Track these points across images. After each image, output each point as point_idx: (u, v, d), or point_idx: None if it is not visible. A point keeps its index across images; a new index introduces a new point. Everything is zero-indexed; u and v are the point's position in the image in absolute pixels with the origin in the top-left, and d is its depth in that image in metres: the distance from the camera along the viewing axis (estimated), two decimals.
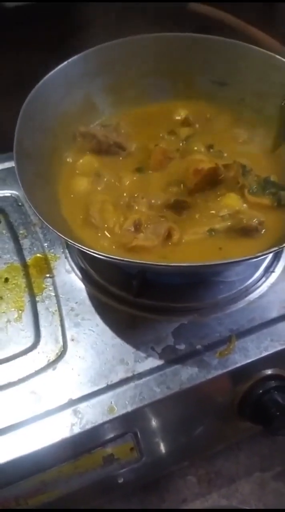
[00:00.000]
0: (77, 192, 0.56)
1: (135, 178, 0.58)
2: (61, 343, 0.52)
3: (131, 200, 0.54)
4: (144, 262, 0.45)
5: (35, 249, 0.60)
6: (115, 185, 0.57)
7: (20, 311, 0.54)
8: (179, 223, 0.53)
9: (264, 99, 0.60)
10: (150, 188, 0.56)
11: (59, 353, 0.51)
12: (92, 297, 0.55)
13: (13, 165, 0.50)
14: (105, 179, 0.58)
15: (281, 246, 0.43)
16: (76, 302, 0.55)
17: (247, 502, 0.62)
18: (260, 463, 0.65)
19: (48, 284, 0.57)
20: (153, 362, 0.50)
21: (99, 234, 0.53)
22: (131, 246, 0.51)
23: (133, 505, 0.61)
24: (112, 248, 0.52)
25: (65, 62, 0.59)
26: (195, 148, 0.59)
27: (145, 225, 0.52)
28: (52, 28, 0.77)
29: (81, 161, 0.59)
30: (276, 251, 0.44)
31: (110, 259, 0.44)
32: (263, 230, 0.52)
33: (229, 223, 0.53)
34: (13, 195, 0.66)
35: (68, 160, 0.60)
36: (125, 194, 0.56)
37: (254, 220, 0.51)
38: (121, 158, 0.60)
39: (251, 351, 0.50)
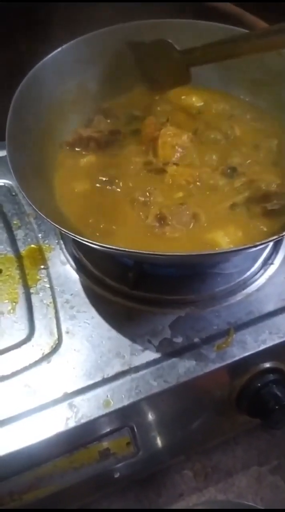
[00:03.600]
0: (82, 200, 0.54)
1: (140, 166, 0.56)
2: (56, 335, 0.51)
3: (144, 195, 0.53)
4: (139, 251, 0.44)
5: (29, 240, 0.59)
6: (123, 179, 0.55)
7: (14, 303, 0.53)
8: (201, 204, 0.52)
9: (261, 86, 0.59)
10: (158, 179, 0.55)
11: (53, 346, 0.50)
12: (87, 289, 0.54)
13: (5, 154, 0.49)
14: (112, 177, 0.55)
15: (281, 235, 0.42)
16: (71, 294, 0.54)
17: (244, 496, 0.62)
18: (257, 457, 0.65)
19: (43, 275, 0.55)
20: (150, 355, 0.49)
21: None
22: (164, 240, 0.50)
23: (130, 500, 0.61)
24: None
25: (59, 49, 0.58)
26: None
27: (169, 217, 0.51)
28: (45, 17, 0.76)
29: (82, 163, 0.57)
30: (276, 239, 0.43)
31: (106, 249, 0.43)
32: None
33: (247, 194, 0.52)
34: (6, 185, 0.64)
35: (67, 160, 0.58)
36: (133, 187, 0.54)
37: (272, 185, 0.51)
38: (122, 145, 0.58)
39: (249, 344, 0.49)
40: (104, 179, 0.55)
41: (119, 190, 0.55)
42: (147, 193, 0.53)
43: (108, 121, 0.59)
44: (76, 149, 0.57)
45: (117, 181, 0.55)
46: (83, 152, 0.58)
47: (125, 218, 0.52)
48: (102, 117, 0.60)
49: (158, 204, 0.52)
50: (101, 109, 0.60)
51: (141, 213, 0.52)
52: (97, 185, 0.55)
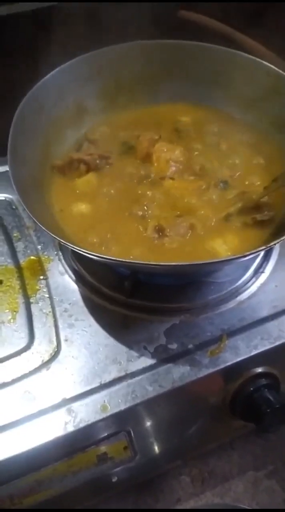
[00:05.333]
0: (81, 215, 0.56)
1: (135, 181, 0.58)
2: (55, 343, 0.52)
3: (142, 209, 0.55)
4: (135, 262, 0.46)
5: (29, 251, 0.61)
6: (118, 197, 0.57)
7: (14, 313, 0.55)
8: (197, 215, 0.54)
9: (252, 104, 0.62)
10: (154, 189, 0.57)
11: (53, 354, 0.52)
12: (85, 298, 0.56)
13: (7, 169, 0.51)
14: (107, 195, 0.58)
15: (269, 245, 0.44)
16: (70, 303, 0.55)
17: (241, 500, 0.63)
18: (253, 462, 0.66)
19: (42, 285, 0.57)
20: (146, 361, 0.50)
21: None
22: (163, 250, 0.52)
23: (127, 505, 0.62)
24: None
25: (58, 68, 0.60)
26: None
27: (167, 229, 0.53)
28: (44, 35, 0.78)
29: (77, 180, 0.59)
30: (264, 249, 0.45)
31: (102, 259, 0.45)
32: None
33: (240, 205, 0.54)
34: (7, 199, 0.67)
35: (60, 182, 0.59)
36: (130, 201, 0.56)
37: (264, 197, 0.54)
38: (110, 168, 0.60)
39: (241, 349, 0.51)
40: (100, 195, 0.57)
41: (115, 205, 0.57)
42: (145, 207, 0.55)
43: (98, 142, 0.62)
44: (66, 172, 0.59)
45: (113, 196, 0.57)
46: (74, 175, 0.59)
47: (124, 231, 0.54)
48: (91, 145, 0.62)
49: (155, 217, 0.54)
50: (89, 139, 0.62)
51: (140, 226, 0.54)
52: (94, 201, 0.57)
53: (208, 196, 0.56)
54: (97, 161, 0.59)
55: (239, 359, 0.50)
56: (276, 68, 0.59)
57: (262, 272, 0.58)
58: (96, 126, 0.64)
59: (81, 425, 0.47)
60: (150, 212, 0.55)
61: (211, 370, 0.50)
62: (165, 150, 0.58)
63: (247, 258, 0.45)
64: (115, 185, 0.58)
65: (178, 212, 0.55)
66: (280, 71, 0.58)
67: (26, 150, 0.55)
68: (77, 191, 0.58)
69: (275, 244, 0.46)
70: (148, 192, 0.57)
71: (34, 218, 0.47)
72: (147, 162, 0.59)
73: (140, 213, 0.55)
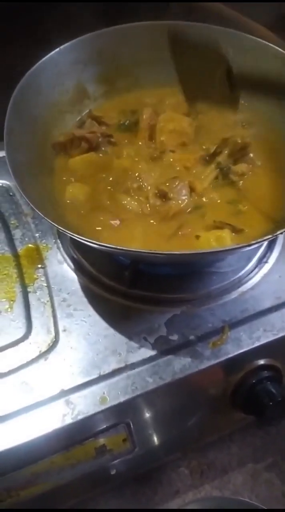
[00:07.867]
0: (81, 198, 0.54)
1: (136, 160, 0.57)
2: (53, 333, 0.51)
3: (136, 181, 0.54)
4: (136, 250, 0.44)
5: (26, 239, 0.59)
6: (118, 176, 0.56)
7: (11, 302, 0.54)
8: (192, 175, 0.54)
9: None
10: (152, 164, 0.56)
11: (51, 344, 0.50)
12: (84, 288, 0.55)
13: (3, 154, 0.49)
14: (107, 175, 0.56)
15: (275, 234, 0.43)
16: (68, 293, 0.54)
17: (240, 493, 0.62)
18: (252, 454, 0.65)
19: (40, 274, 0.56)
20: (146, 352, 0.49)
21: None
22: (173, 214, 0.51)
23: (126, 497, 0.61)
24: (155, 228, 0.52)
25: (57, 49, 0.58)
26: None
27: (169, 192, 0.52)
28: (43, 19, 0.76)
29: (76, 162, 0.57)
30: (269, 239, 0.44)
31: (102, 247, 0.44)
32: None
33: (226, 151, 0.54)
34: (4, 185, 0.65)
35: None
36: (129, 180, 0.55)
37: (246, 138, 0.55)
38: (112, 146, 0.59)
39: (243, 341, 0.50)
40: (101, 175, 0.56)
41: (115, 184, 0.55)
42: (138, 178, 0.54)
43: (100, 126, 0.60)
44: (67, 150, 0.57)
45: (112, 177, 0.55)
46: (76, 152, 0.58)
47: (126, 208, 0.53)
48: (95, 122, 0.61)
49: (151, 184, 0.53)
50: (92, 116, 0.61)
51: (141, 198, 0.53)
52: (94, 182, 0.56)
53: (208, 165, 0.55)
54: (100, 139, 0.58)
55: (241, 351, 0.49)
56: (283, 51, 0.57)
57: (266, 262, 0.57)
58: (98, 108, 0.63)
59: (80, 417, 0.46)
60: (145, 184, 0.53)
61: (212, 362, 0.49)
62: (171, 119, 0.56)
63: (251, 247, 0.44)
64: (116, 165, 0.56)
65: (173, 175, 0.53)
66: None
67: (24, 134, 0.54)
68: (77, 172, 0.56)
69: (280, 234, 0.45)
70: (148, 166, 0.55)
71: (31, 204, 0.46)
72: (150, 134, 0.58)
73: (136, 185, 0.54)
